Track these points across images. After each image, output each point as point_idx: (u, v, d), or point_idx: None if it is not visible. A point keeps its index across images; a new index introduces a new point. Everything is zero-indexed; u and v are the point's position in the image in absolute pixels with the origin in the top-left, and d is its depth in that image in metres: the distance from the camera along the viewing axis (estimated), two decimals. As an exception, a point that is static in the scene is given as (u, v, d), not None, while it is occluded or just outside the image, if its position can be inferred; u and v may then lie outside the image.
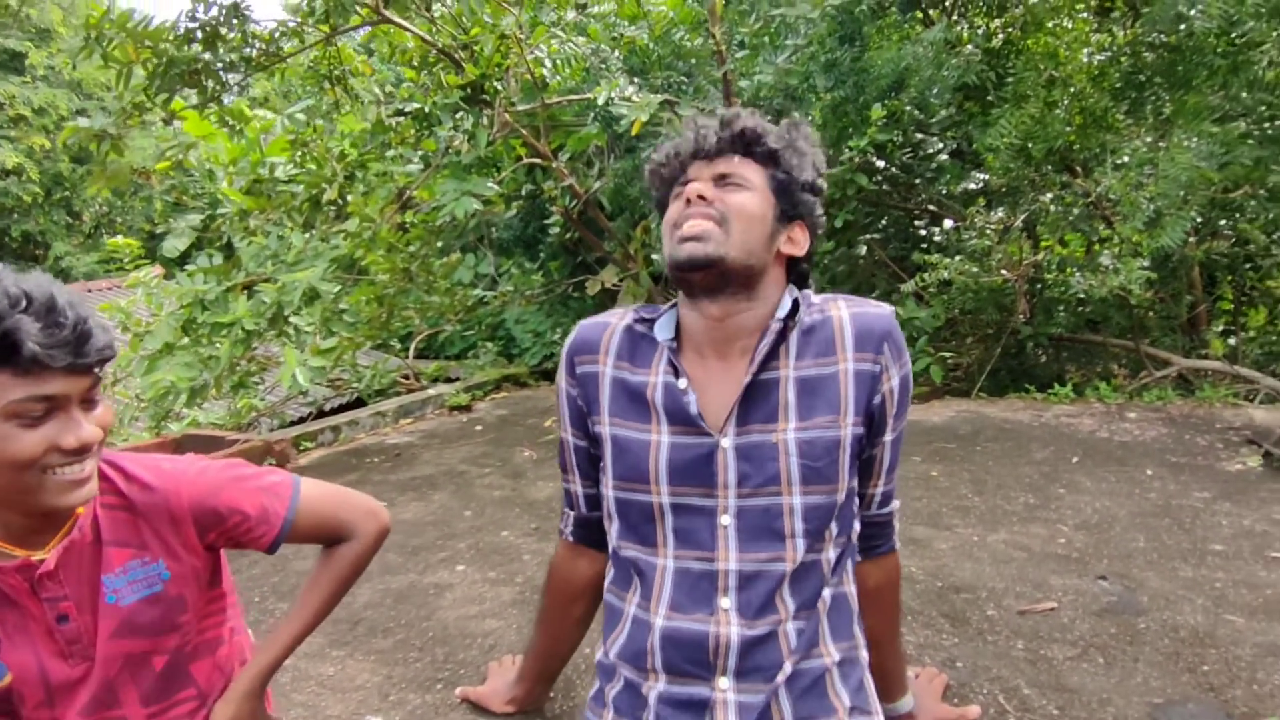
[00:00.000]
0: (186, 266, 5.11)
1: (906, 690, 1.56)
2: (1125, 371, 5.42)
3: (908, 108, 5.03)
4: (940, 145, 5.96)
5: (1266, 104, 4.45)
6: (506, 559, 2.74)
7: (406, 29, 4.97)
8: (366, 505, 1.35)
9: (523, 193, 6.95)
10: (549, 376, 6.56)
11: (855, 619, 1.29)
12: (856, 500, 1.29)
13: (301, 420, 5.97)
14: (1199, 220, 4.68)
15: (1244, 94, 4.43)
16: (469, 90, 5.08)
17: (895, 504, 1.36)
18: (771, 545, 1.18)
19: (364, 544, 1.33)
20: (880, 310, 1.23)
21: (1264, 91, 4.40)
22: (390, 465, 4.09)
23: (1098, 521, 2.77)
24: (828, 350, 1.20)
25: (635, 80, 5.50)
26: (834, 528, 1.22)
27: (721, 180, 1.21)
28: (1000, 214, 5.50)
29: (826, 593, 1.23)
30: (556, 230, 6.63)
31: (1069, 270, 4.59)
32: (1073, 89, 4.60)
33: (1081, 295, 4.56)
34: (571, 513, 1.44)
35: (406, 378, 6.42)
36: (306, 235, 5.15)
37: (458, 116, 5.11)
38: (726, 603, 1.18)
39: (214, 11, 4.38)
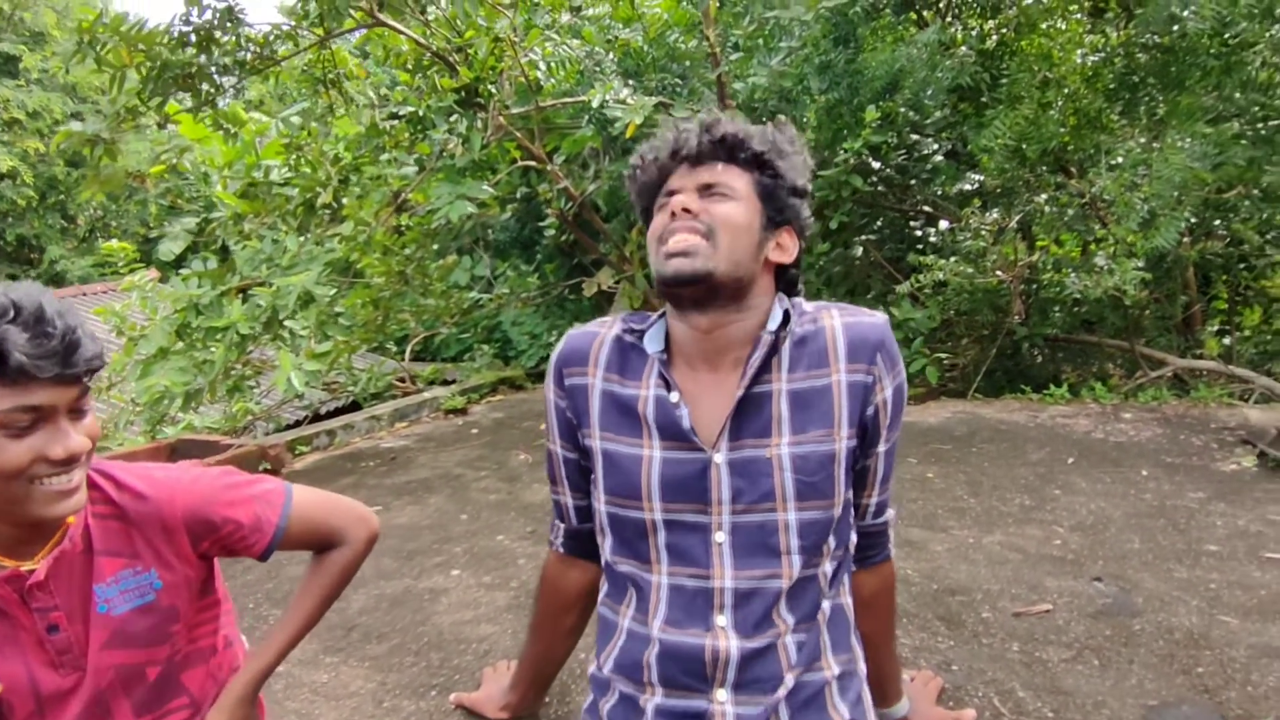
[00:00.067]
0: (181, 270, 5.10)
1: (902, 694, 1.55)
2: (1121, 372, 5.43)
3: (902, 109, 5.03)
4: (935, 146, 5.97)
5: (1259, 104, 4.46)
6: (502, 563, 2.73)
7: (401, 32, 4.97)
8: (357, 511, 1.35)
9: (518, 195, 6.95)
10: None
11: (852, 630, 1.28)
12: (852, 511, 1.28)
13: (297, 424, 5.95)
14: (1193, 220, 4.69)
15: (1237, 94, 4.44)
16: (463, 93, 5.08)
17: (890, 513, 1.35)
18: (767, 562, 1.16)
19: (355, 550, 1.32)
20: (874, 320, 1.20)
21: (1257, 92, 4.42)
22: (385, 469, 4.09)
23: (1093, 523, 2.77)
24: (821, 362, 1.18)
25: (630, 83, 5.51)
26: (831, 542, 1.20)
27: (706, 190, 1.18)
28: (995, 215, 5.52)
29: (826, 604, 1.21)
30: (552, 233, 6.63)
31: (1064, 271, 4.60)
32: (1067, 90, 4.61)
33: (1076, 296, 4.57)
34: (561, 525, 1.42)
35: (402, 381, 6.41)
36: (301, 239, 5.15)
37: (452, 119, 5.11)
38: (723, 620, 1.16)
39: (208, 15, 4.38)
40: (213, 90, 4.68)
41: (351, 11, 4.64)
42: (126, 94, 4.45)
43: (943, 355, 5.18)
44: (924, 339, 5.12)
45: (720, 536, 1.17)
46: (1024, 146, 4.55)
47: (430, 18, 5.19)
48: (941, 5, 5.54)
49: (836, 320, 1.20)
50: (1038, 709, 1.75)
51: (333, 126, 5.54)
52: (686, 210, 1.16)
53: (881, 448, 1.24)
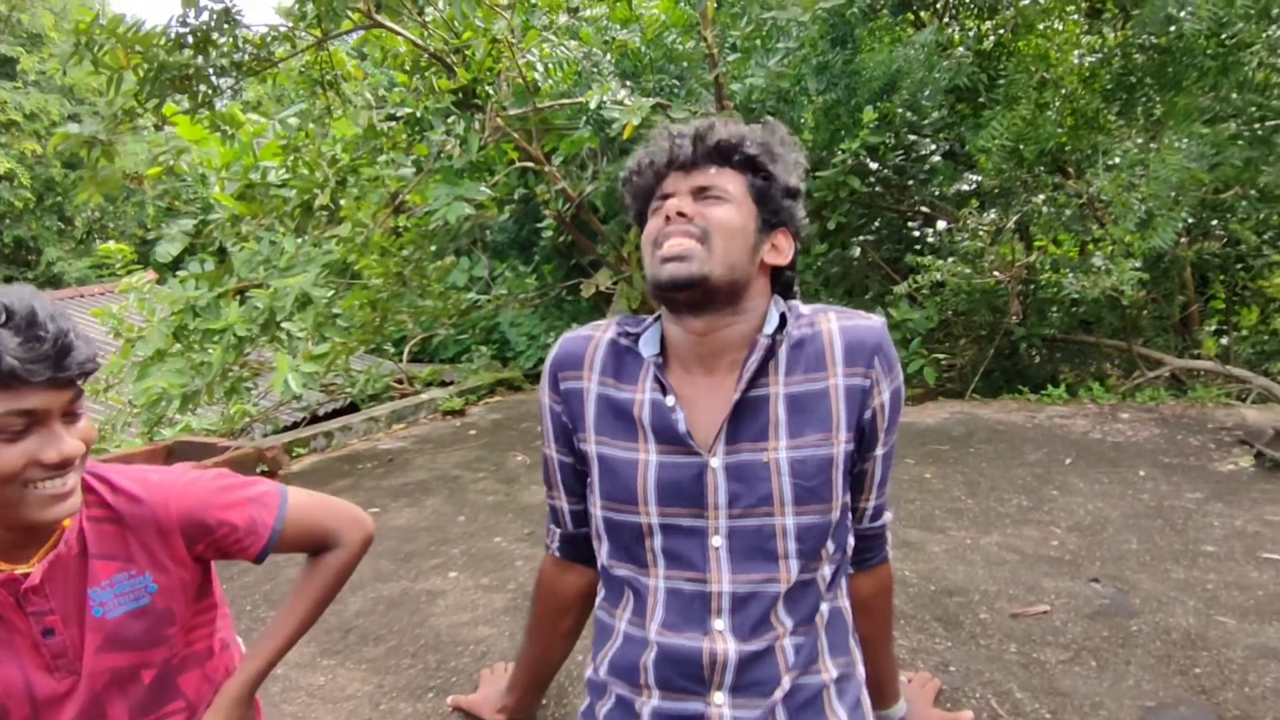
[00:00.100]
0: (179, 272, 5.09)
1: (899, 696, 1.55)
2: (1118, 372, 5.44)
3: (900, 110, 5.04)
4: (933, 147, 5.98)
5: (1256, 105, 4.47)
6: (499, 565, 2.73)
7: (398, 33, 4.97)
8: (351, 513, 1.35)
9: (516, 196, 6.95)
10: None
11: (850, 633, 1.27)
12: (849, 515, 1.28)
13: (295, 426, 5.94)
14: (1190, 221, 4.70)
15: (1234, 95, 4.45)
16: (461, 94, 5.08)
17: (888, 516, 1.35)
18: (765, 566, 1.15)
19: (349, 552, 1.32)
20: (871, 323, 1.20)
21: (1253, 92, 4.42)
22: (383, 471, 4.08)
23: (1090, 523, 2.77)
24: (818, 365, 1.17)
25: (627, 84, 5.50)
26: (829, 545, 1.20)
27: (700, 193, 1.18)
28: (993, 215, 5.52)
29: (824, 607, 1.21)
30: (550, 234, 6.63)
31: (1062, 271, 4.61)
32: (1064, 90, 4.61)
33: (1074, 296, 4.58)
34: (557, 529, 1.42)
35: (400, 382, 6.41)
36: (299, 240, 5.14)
37: (449, 121, 5.10)
38: (720, 624, 1.16)
39: (205, 16, 4.37)
40: (210, 92, 4.68)
41: (349, 13, 4.64)
42: (124, 96, 4.45)
43: (940, 356, 5.18)
44: (922, 339, 5.12)
45: (717, 540, 1.16)
46: (1021, 147, 4.56)
47: (428, 19, 5.19)
48: (939, 6, 5.54)
49: (833, 323, 1.19)
50: (1035, 710, 1.75)
51: (330, 128, 5.53)
52: (681, 214, 1.15)
53: (879, 451, 1.24)
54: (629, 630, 1.23)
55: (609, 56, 5.95)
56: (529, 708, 1.74)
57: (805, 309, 1.23)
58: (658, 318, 1.26)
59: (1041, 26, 5.01)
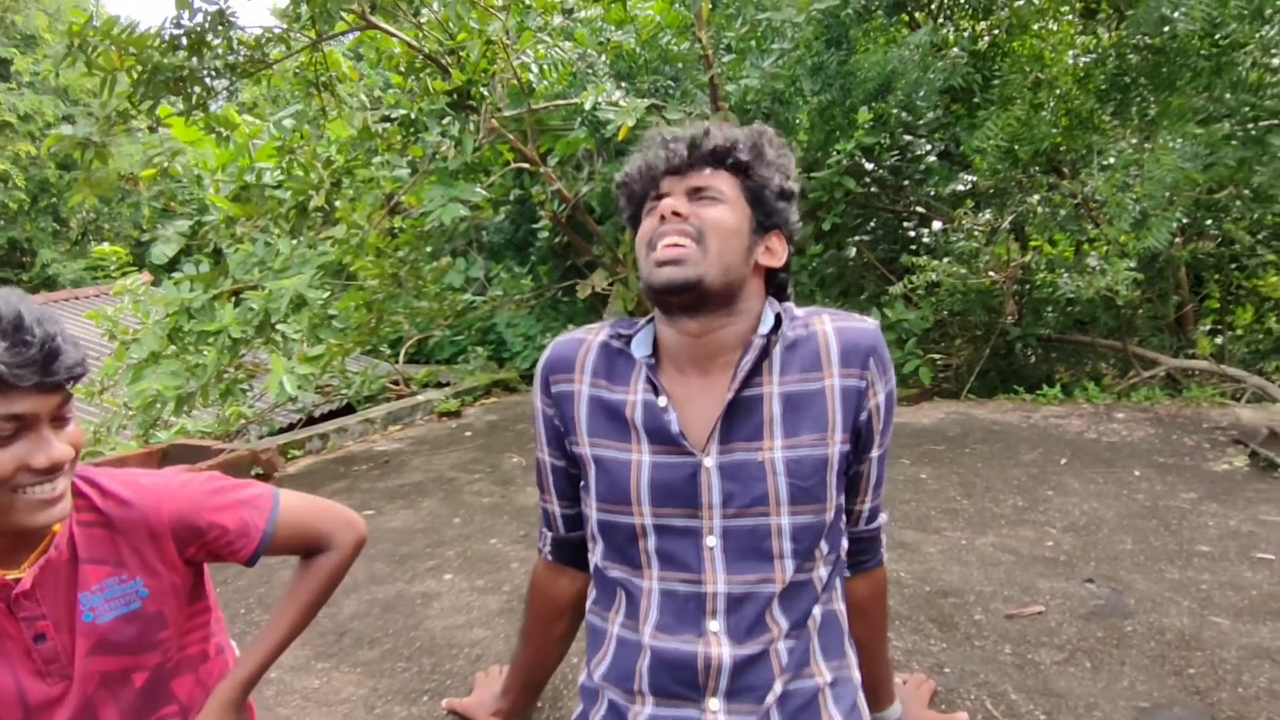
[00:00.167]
0: (174, 273, 5.09)
1: (894, 698, 1.55)
2: (1114, 371, 5.45)
3: (895, 110, 5.05)
4: (928, 147, 5.99)
5: (1250, 105, 4.48)
6: (494, 567, 2.73)
7: (393, 34, 4.96)
8: (344, 516, 1.34)
9: (511, 197, 6.94)
10: (540, 381, 6.55)
11: (846, 637, 1.27)
12: (844, 517, 1.27)
13: (290, 427, 5.94)
14: (1184, 221, 4.71)
15: (1227, 95, 4.46)
16: (456, 96, 5.08)
17: (883, 518, 1.35)
18: (760, 566, 1.15)
19: (342, 554, 1.32)
20: (865, 325, 1.20)
21: (1247, 92, 4.44)
22: (379, 473, 4.08)
23: (1085, 523, 2.77)
24: (813, 366, 1.17)
25: (622, 85, 5.51)
26: (824, 546, 1.20)
27: (695, 194, 1.18)
28: (988, 215, 5.53)
29: (817, 610, 1.20)
30: (545, 235, 6.62)
31: (1057, 271, 4.62)
32: (1058, 91, 4.62)
33: (1069, 296, 4.59)
34: (550, 533, 1.42)
35: (396, 383, 6.40)
36: (294, 242, 5.13)
37: (445, 122, 5.10)
38: (715, 625, 1.15)
39: (199, 18, 4.37)
40: (204, 93, 4.67)
41: (343, 14, 4.63)
42: (118, 97, 4.44)
43: (936, 356, 5.19)
44: (917, 340, 5.13)
45: (711, 541, 1.16)
46: (1016, 147, 4.57)
47: (422, 20, 5.18)
48: (933, 6, 5.55)
49: (828, 325, 1.19)
50: (1030, 711, 1.75)
51: (325, 129, 5.53)
52: (676, 214, 1.16)
53: (874, 453, 1.24)
54: (622, 634, 1.22)
55: (604, 57, 5.96)
56: (523, 711, 1.74)
57: (799, 311, 1.23)
58: (650, 319, 1.26)
59: (1036, 27, 5.03)
